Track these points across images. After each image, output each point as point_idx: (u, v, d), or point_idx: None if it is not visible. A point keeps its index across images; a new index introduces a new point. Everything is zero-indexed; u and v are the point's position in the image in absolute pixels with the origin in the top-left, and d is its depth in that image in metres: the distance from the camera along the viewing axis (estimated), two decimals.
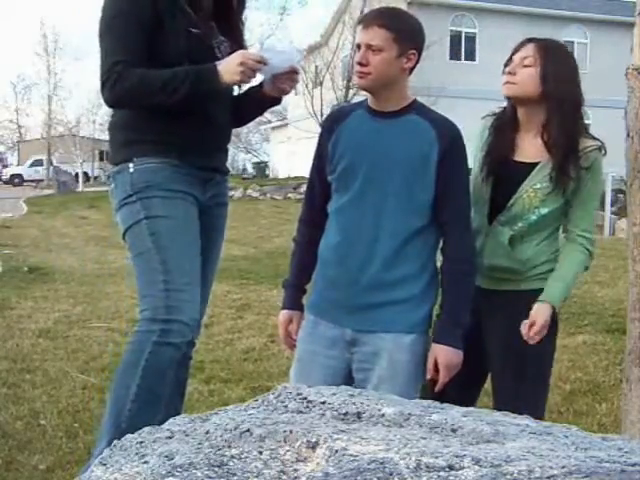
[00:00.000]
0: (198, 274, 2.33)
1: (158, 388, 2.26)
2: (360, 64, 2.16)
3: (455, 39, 26.14)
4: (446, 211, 2.22)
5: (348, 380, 2.23)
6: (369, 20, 2.18)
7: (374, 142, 2.21)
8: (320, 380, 2.17)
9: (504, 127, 2.42)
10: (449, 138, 2.20)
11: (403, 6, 24.60)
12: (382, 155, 2.20)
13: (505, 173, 2.38)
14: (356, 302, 2.24)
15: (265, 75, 2.36)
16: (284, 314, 2.40)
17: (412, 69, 2.23)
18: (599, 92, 25.79)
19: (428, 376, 2.22)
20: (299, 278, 2.41)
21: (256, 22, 25.40)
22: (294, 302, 2.40)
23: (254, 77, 2.32)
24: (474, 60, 26.13)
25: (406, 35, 2.18)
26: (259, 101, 2.53)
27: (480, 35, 26.04)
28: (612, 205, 25.40)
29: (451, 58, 26.01)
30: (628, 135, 3.15)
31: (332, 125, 2.29)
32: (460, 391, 2.25)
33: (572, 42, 27.09)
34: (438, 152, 2.17)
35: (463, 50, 26.25)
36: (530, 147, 2.38)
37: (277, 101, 2.55)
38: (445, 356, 2.20)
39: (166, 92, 2.25)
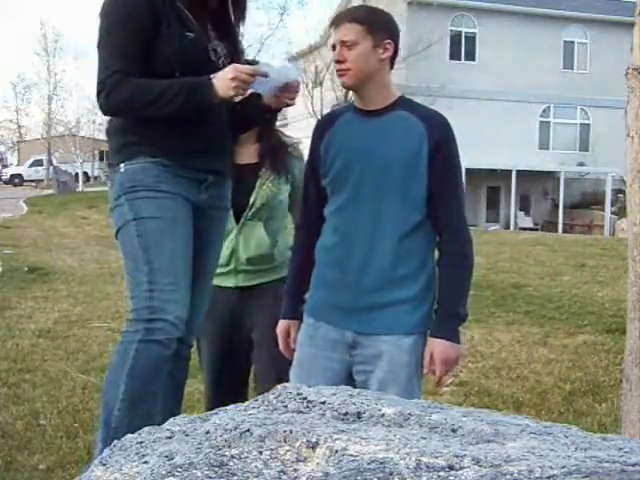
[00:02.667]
0: (187, 274, 2.33)
1: (146, 387, 2.27)
2: (338, 62, 2.18)
3: (455, 39, 26.10)
4: (441, 205, 2.22)
5: (349, 382, 2.21)
6: (339, 19, 2.21)
7: (365, 142, 2.22)
8: (320, 383, 2.15)
9: None
10: (439, 131, 2.20)
11: (403, 6, 24.58)
12: (374, 154, 2.20)
13: (237, 176, 2.59)
14: (356, 304, 2.24)
15: (262, 88, 2.35)
16: (282, 324, 2.41)
17: (392, 61, 2.25)
18: (599, 92, 25.87)
19: (425, 371, 2.22)
20: (297, 286, 2.40)
21: (256, 22, 25.34)
22: (292, 311, 2.40)
23: (248, 90, 2.31)
24: (474, 60, 26.11)
25: (377, 25, 2.20)
26: (257, 111, 2.53)
27: (480, 35, 26.01)
28: (612, 205, 25.43)
29: (451, 58, 25.99)
30: (628, 135, 3.15)
31: (322, 130, 2.31)
32: (233, 394, 2.66)
33: (572, 42, 27.11)
34: (428, 146, 2.17)
35: (463, 50, 26.22)
36: (251, 151, 2.81)
37: (274, 111, 2.55)
38: (441, 350, 2.18)
39: (159, 104, 2.26)
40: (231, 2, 2.48)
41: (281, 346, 2.40)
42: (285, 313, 2.41)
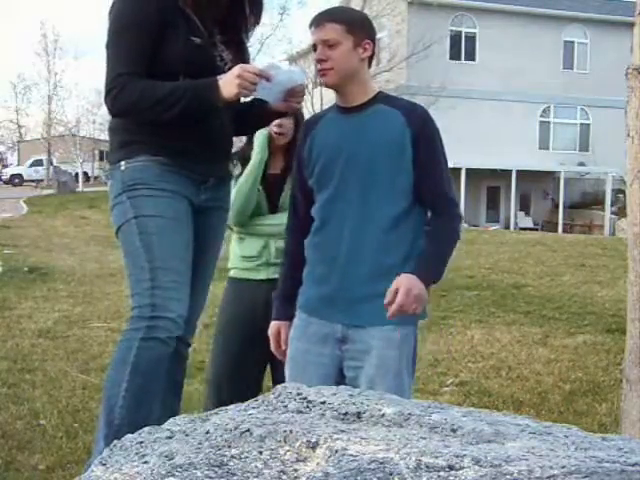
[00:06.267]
0: (187, 273, 2.35)
1: (148, 384, 2.28)
2: (321, 61, 2.22)
3: (455, 39, 26.10)
4: (428, 191, 2.25)
5: (341, 378, 2.25)
6: (319, 19, 2.25)
7: (347, 136, 2.26)
8: (313, 378, 2.20)
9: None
10: (419, 121, 2.24)
11: (403, 6, 24.57)
12: (357, 148, 2.24)
13: (267, 184, 2.93)
14: (346, 296, 2.25)
15: (268, 95, 2.36)
16: (273, 326, 2.43)
17: (370, 60, 2.30)
18: (599, 92, 25.86)
19: (385, 301, 2.14)
20: (288, 288, 2.42)
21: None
22: (283, 313, 2.42)
23: (253, 90, 2.32)
24: (474, 60, 26.11)
25: (357, 25, 2.25)
26: (264, 113, 2.54)
27: (480, 35, 26.02)
28: (612, 205, 25.42)
29: (451, 58, 25.98)
30: (628, 135, 3.15)
31: (306, 133, 2.36)
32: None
33: (572, 42, 27.11)
34: (411, 137, 2.21)
35: (463, 50, 26.23)
36: (279, 163, 2.96)
37: (282, 114, 2.57)
38: (408, 282, 2.12)
39: (164, 107, 2.29)
40: (249, 6, 2.50)
41: (273, 347, 2.42)
42: (276, 314, 2.43)
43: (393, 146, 2.22)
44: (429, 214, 2.30)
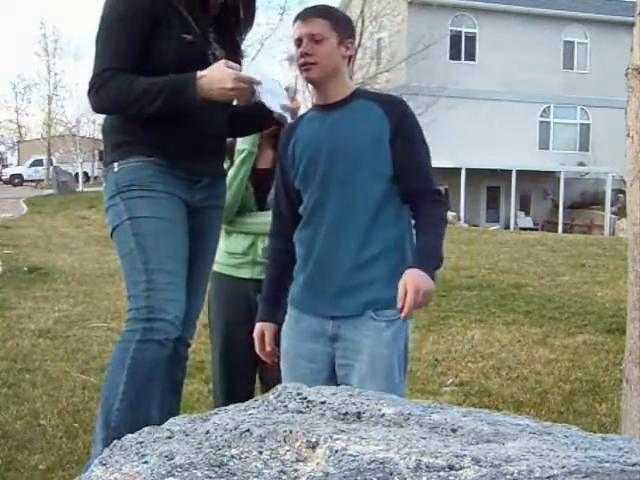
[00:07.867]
0: (183, 274, 2.35)
1: (145, 386, 2.28)
2: (306, 54, 2.23)
3: (455, 39, 26.10)
4: (411, 186, 2.25)
5: (333, 374, 2.26)
6: (307, 14, 2.27)
7: (328, 133, 2.27)
8: (306, 374, 2.22)
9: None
10: (398, 113, 2.26)
11: (403, 6, 24.57)
12: (338, 143, 2.25)
13: (256, 179, 2.91)
14: (329, 288, 2.26)
15: (270, 103, 2.37)
16: (257, 327, 2.43)
17: (350, 60, 2.34)
18: (599, 92, 25.86)
19: (399, 305, 2.11)
20: (273, 291, 2.43)
21: (255, 22, 25.20)
22: (267, 315, 2.42)
23: (252, 98, 2.36)
24: (474, 60, 26.11)
25: (342, 24, 2.30)
26: (260, 116, 2.53)
27: (480, 35, 26.02)
28: (612, 205, 25.41)
29: (451, 58, 25.98)
30: (628, 135, 3.15)
31: (288, 135, 2.37)
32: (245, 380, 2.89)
33: (572, 42, 27.10)
34: (390, 129, 2.22)
35: (463, 50, 26.23)
36: (267, 158, 2.93)
37: (278, 124, 2.57)
38: (415, 279, 2.10)
39: (143, 103, 2.27)
40: (242, 7, 2.50)
41: (257, 349, 2.42)
42: (261, 316, 2.44)
43: (373, 139, 2.23)
44: (414, 206, 2.29)
